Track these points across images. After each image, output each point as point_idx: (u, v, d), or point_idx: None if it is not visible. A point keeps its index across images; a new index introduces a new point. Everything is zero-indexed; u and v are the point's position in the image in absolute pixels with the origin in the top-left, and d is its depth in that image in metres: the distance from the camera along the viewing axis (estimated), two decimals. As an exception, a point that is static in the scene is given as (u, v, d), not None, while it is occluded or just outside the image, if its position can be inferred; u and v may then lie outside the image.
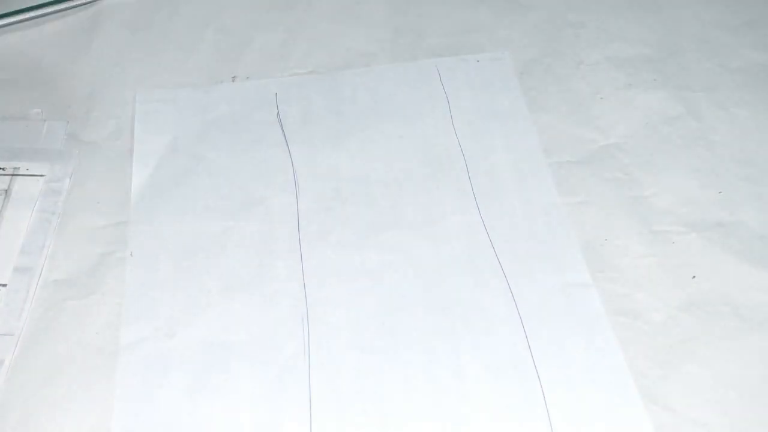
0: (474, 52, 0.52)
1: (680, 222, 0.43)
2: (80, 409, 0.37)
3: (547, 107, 0.49)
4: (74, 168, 0.46)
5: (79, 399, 0.37)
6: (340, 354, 0.38)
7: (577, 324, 0.39)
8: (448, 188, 0.45)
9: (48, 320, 0.40)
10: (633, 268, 0.41)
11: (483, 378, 0.37)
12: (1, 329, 0.39)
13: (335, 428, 0.36)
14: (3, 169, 0.46)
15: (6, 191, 0.45)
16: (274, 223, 0.44)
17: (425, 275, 0.41)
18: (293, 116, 0.49)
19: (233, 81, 0.51)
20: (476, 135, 0.47)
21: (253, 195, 0.45)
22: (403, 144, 0.47)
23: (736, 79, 0.50)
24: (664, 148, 0.46)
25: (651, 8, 0.55)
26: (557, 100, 0.49)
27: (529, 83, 0.50)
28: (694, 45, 0.52)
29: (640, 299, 0.40)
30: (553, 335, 0.38)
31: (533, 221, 0.43)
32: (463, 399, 0.37)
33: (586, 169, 0.46)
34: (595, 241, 0.42)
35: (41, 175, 0.46)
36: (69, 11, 0.56)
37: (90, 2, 0.56)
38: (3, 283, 0.41)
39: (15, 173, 0.46)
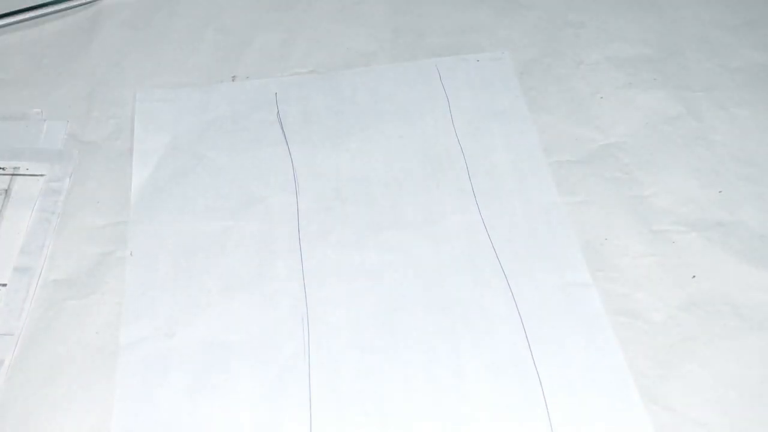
0: (474, 51, 0.52)
1: (680, 221, 0.43)
2: (80, 409, 0.37)
3: (547, 107, 0.49)
4: (74, 168, 0.46)
5: (79, 399, 0.37)
6: (340, 354, 0.38)
7: (577, 323, 0.39)
8: (448, 188, 0.45)
9: (48, 320, 0.40)
10: (633, 267, 0.41)
11: (483, 378, 0.37)
12: (1, 329, 0.39)
13: (335, 428, 0.36)
14: (3, 168, 0.46)
15: (6, 191, 0.45)
16: (274, 222, 0.44)
17: (425, 275, 0.41)
18: (293, 116, 0.49)
19: (233, 81, 0.51)
20: (476, 135, 0.47)
21: (253, 194, 0.45)
22: (403, 144, 0.47)
23: (736, 79, 0.50)
24: (664, 148, 0.46)
25: (651, 8, 0.55)
26: (557, 100, 0.49)
27: (529, 83, 0.50)
28: (694, 45, 0.52)
29: (640, 299, 0.40)
30: (553, 335, 0.38)
31: (533, 221, 0.43)
32: (463, 399, 0.37)
33: (586, 169, 0.46)
34: (595, 241, 0.42)
35: (41, 175, 0.46)
36: (69, 11, 0.56)
37: (90, 2, 0.56)
38: (3, 283, 0.41)
39: (15, 173, 0.46)
